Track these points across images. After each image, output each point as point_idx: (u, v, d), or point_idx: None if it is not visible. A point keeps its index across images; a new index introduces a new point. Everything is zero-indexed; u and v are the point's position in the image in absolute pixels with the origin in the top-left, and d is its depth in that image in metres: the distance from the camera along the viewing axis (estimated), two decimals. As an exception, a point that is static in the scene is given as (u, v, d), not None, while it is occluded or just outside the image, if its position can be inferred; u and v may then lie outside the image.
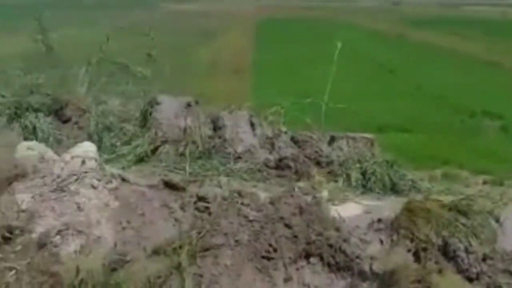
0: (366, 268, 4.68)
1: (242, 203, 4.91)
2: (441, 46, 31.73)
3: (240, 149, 6.29)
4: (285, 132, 7.02)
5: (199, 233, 4.58)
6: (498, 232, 5.35)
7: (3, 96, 7.13)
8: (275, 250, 4.62)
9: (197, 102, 7.15)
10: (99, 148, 5.83)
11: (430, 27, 43.11)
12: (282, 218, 4.83)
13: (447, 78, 19.27)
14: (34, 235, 4.60)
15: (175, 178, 5.27)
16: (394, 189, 7.25)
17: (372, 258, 4.73)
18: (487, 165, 9.21)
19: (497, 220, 5.48)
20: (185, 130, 6.50)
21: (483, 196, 6.07)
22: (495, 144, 10.90)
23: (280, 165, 6.19)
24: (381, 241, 4.97)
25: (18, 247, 4.54)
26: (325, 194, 5.63)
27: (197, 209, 4.90)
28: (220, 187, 5.17)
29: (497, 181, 8.39)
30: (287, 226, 4.78)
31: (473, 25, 44.57)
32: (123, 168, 5.76)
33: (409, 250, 4.90)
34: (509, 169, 9.04)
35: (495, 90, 16.60)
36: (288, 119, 7.49)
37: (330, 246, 4.68)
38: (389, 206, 5.96)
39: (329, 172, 6.60)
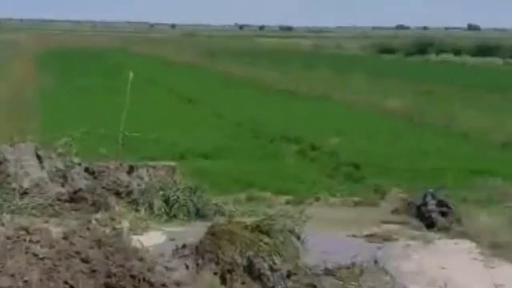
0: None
1: (30, 241, 4.44)
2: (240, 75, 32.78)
3: (26, 183, 5.76)
4: (79, 164, 6.63)
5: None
6: (300, 249, 5.54)
7: None
8: (71, 287, 4.23)
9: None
10: None
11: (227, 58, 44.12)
12: (78, 252, 4.47)
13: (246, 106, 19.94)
14: None
15: None
16: (199, 215, 7.26)
17: (178, 284, 4.58)
18: (288, 186, 9.52)
19: (299, 237, 5.67)
20: None
21: (284, 215, 6.27)
22: (294, 166, 11.38)
23: (75, 197, 5.81)
24: (187, 267, 4.87)
25: None
26: (126, 224, 5.41)
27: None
28: (3, 225, 4.63)
29: (298, 200, 8.73)
30: (84, 260, 4.43)
31: (267, 56, 46.63)
32: None
33: (215, 273, 4.86)
34: (308, 189, 9.44)
35: (292, 116, 17.49)
36: (81, 150, 7.11)
37: (133, 277, 4.42)
38: (194, 232, 5.94)
39: (130, 202, 6.44)
